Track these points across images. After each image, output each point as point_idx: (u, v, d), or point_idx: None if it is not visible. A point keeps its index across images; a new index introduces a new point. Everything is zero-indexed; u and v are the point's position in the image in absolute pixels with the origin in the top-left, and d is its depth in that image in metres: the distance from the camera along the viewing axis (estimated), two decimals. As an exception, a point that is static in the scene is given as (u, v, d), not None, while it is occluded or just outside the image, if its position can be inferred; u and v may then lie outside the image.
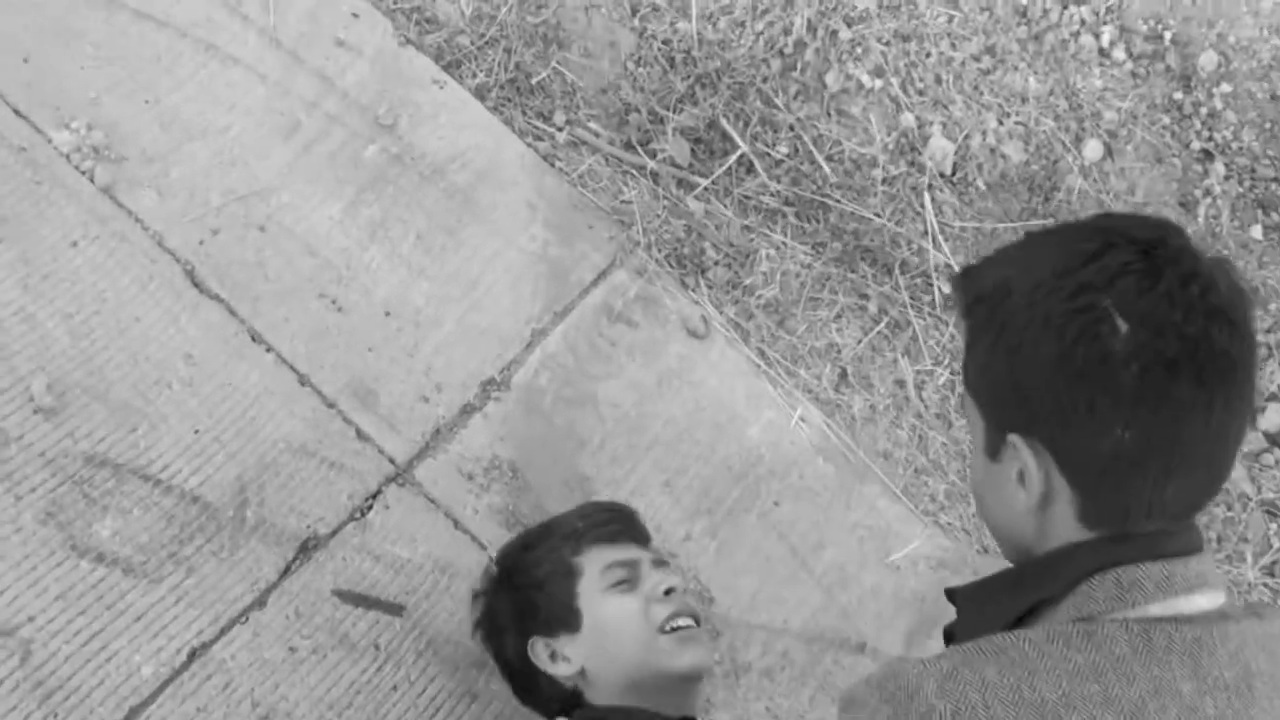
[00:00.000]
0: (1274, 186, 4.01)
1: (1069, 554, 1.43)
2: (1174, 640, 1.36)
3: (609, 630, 2.24)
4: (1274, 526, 3.41)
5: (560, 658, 2.26)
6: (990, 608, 1.50)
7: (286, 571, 2.50)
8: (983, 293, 1.49)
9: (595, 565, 2.30)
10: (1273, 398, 3.60)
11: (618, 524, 2.41)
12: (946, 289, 3.46)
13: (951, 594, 1.62)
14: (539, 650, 2.27)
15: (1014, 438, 1.44)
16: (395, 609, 2.54)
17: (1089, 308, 1.37)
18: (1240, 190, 3.96)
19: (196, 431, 2.58)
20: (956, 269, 3.49)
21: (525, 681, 2.34)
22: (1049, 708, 1.32)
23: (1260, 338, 3.70)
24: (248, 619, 2.43)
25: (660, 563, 2.38)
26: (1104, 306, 1.36)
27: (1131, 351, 1.34)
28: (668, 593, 2.27)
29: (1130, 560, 1.40)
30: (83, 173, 2.78)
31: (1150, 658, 1.35)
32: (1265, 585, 3.28)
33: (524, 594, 2.33)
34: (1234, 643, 1.39)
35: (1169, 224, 1.45)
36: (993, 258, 1.53)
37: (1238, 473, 3.44)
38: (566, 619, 2.28)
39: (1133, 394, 1.35)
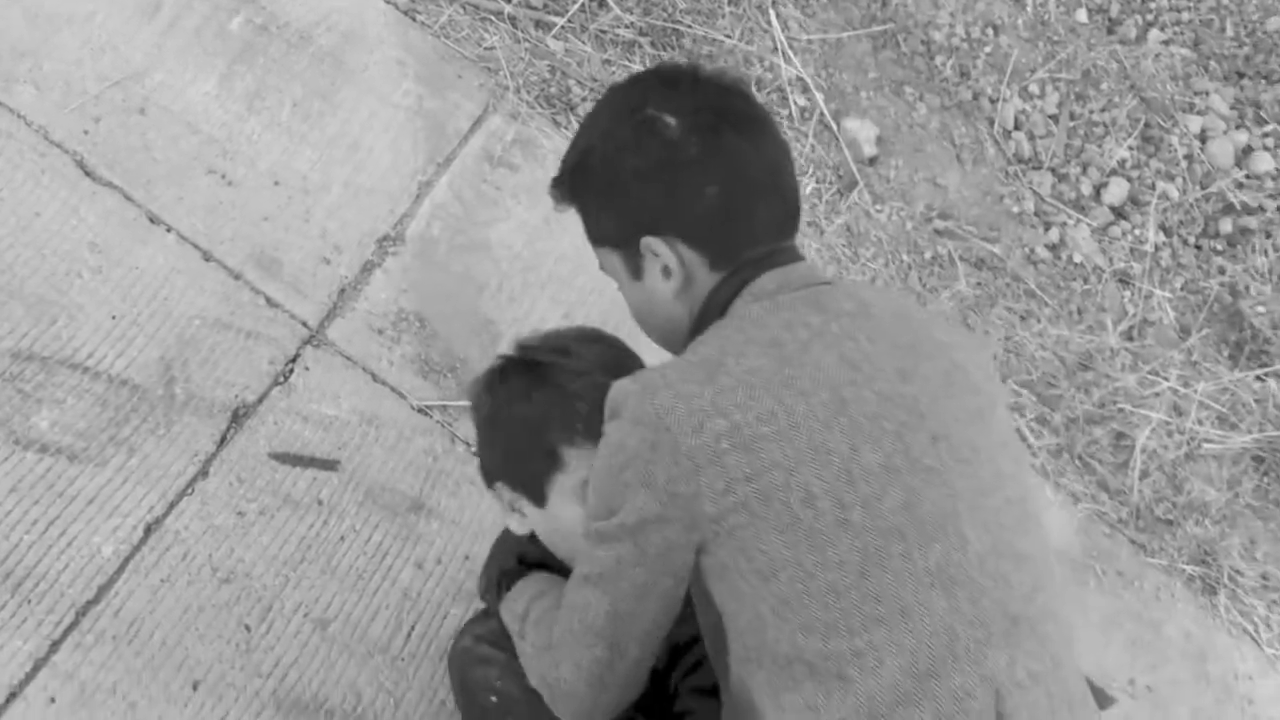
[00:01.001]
0: (1093, -30, 4.21)
1: (714, 292, 1.84)
2: (797, 296, 1.78)
3: (565, 533, 2.15)
4: (1127, 294, 3.67)
5: (518, 512, 2.23)
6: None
7: (223, 441, 2.61)
8: (573, 168, 1.97)
9: (579, 468, 2.10)
10: (1113, 172, 3.84)
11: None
12: (803, 101, 3.61)
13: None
14: (502, 493, 2.23)
15: (645, 239, 1.86)
16: (330, 464, 2.66)
17: (643, 121, 1.85)
18: (1063, -23, 4.16)
19: (114, 317, 2.65)
20: (809, 81, 3.64)
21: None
22: (710, 361, 1.70)
23: (1096, 117, 3.92)
24: (194, 490, 2.54)
25: None
26: (652, 114, 1.85)
27: (684, 131, 1.83)
28: None
29: (753, 277, 1.81)
30: (-43, 74, 2.80)
31: (777, 309, 1.76)
32: (1125, 349, 3.54)
33: (504, 438, 2.22)
34: (849, 288, 1.84)
35: (678, 63, 2.06)
36: (566, 151, 2.00)
37: (1090, 247, 3.68)
38: (532, 491, 2.18)
39: (700, 158, 1.82)
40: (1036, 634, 1.68)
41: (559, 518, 2.15)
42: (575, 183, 1.97)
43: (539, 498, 2.16)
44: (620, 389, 1.74)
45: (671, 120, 1.83)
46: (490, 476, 2.26)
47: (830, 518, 1.61)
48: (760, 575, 1.64)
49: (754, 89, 1.93)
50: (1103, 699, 1.90)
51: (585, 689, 1.84)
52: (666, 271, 1.87)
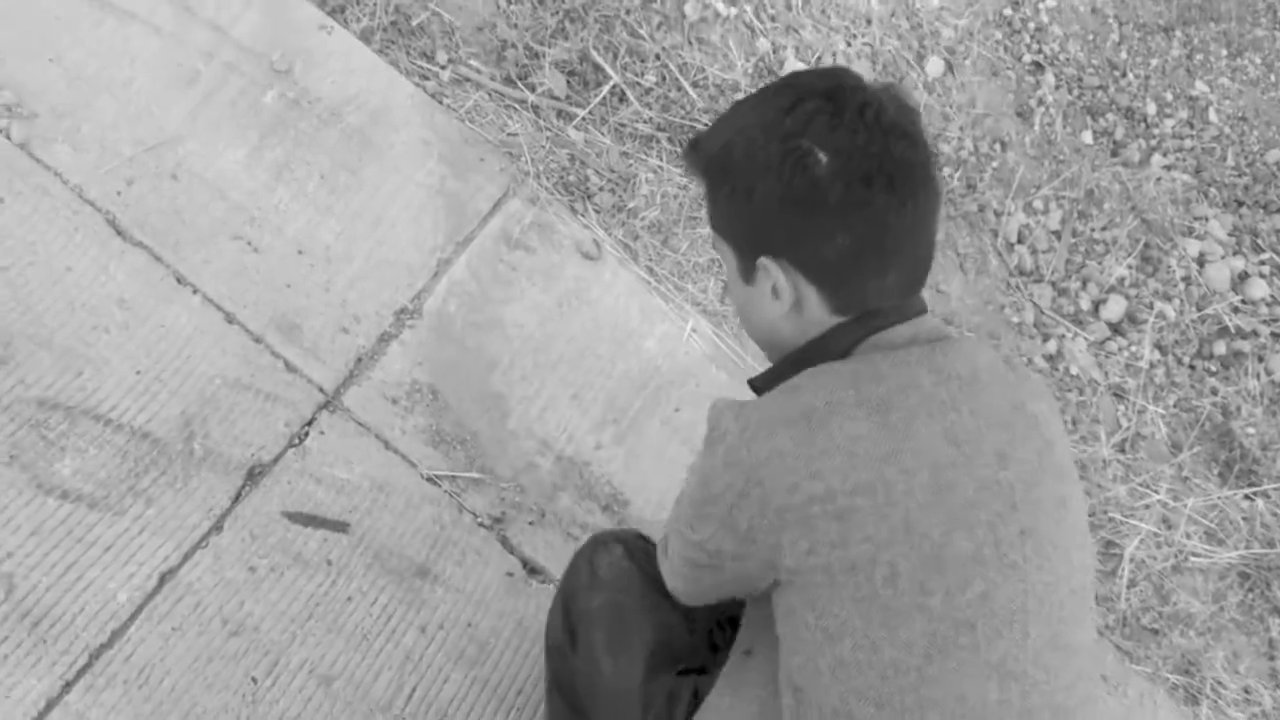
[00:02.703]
0: (1099, 94, 4.33)
1: (835, 332, 1.80)
2: (915, 352, 1.74)
3: None
4: (1121, 408, 3.75)
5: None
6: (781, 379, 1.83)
7: (238, 498, 2.67)
8: (711, 155, 1.86)
9: None
10: (1112, 289, 3.93)
11: None
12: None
13: (752, 382, 1.97)
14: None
15: (763, 260, 1.80)
16: (341, 526, 2.72)
17: (795, 150, 1.73)
18: (1070, 98, 4.28)
19: (138, 372, 2.72)
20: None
21: None
22: (815, 414, 1.67)
23: (1097, 235, 4.02)
24: (208, 544, 2.59)
25: None
26: (806, 146, 1.73)
27: (833, 174, 1.71)
28: None
29: (882, 328, 1.78)
30: (-2, 130, 2.89)
31: (897, 362, 1.73)
32: (1118, 460, 3.61)
33: None
34: (966, 348, 1.78)
35: (843, 70, 1.85)
36: (712, 127, 1.90)
37: (1086, 360, 3.77)
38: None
39: (841, 206, 1.71)
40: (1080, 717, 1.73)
41: None
42: (710, 169, 1.88)
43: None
44: (720, 415, 1.76)
45: (824, 159, 1.71)
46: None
47: (909, 599, 1.62)
48: (826, 634, 1.66)
49: (919, 119, 1.82)
50: None
51: (686, 599, 2.00)
52: (776, 292, 1.82)
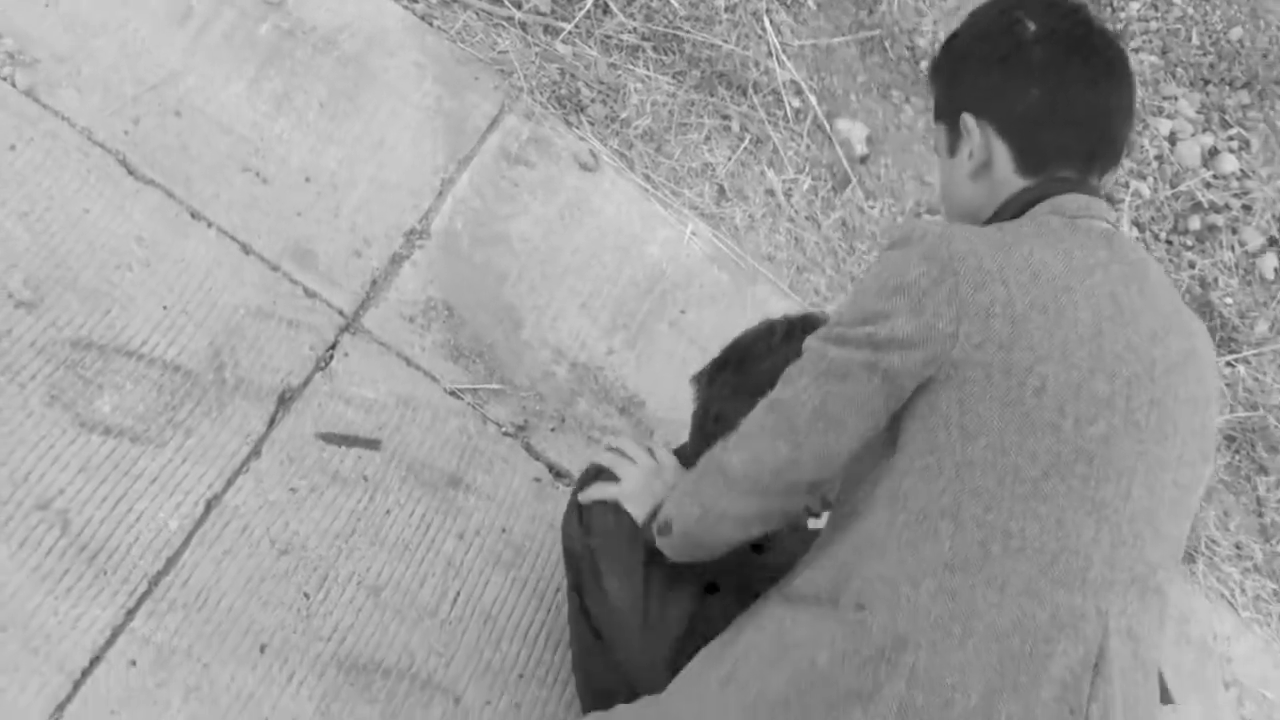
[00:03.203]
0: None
1: (1016, 195, 1.99)
2: (1092, 228, 1.92)
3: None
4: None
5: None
6: None
7: (272, 423, 2.75)
8: (942, 46, 2.17)
9: None
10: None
11: None
12: (797, 103, 3.78)
13: None
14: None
15: (965, 116, 2.04)
16: (373, 443, 2.81)
17: (1008, 18, 2.03)
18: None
19: (164, 307, 2.79)
20: (803, 84, 3.81)
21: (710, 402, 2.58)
22: (1007, 241, 1.84)
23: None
24: (248, 469, 2.68)
25: None
26: (1018, 14, 2.02)
27: (1037, 39, 1.99)
28: None
29: (1058, 193, 1.96)
30: (3, 79, 2.92)
31: (1075, 232, 1.90)
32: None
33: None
34: (1135, 245, 1.96)
35: None
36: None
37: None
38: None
39: (1040, 65, 1.98)
40: (1146, 601, 1.82)
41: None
42: (937, 60, 2.17)
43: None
44: (918, 224, 1.87)
45: (1031, 26, 1.99)
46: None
47: (1047, 415, 1.74)
48: (963, 431, 1.76)
49: (1120, 42, 2.07)
50: (1165, 694, 2.03)
51: (742, 482, 2.00)
52: (971, 154, 2.04)
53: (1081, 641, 1.74)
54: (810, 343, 1.95)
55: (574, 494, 2.52)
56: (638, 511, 2.37)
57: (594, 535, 2.44)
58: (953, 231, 1.84)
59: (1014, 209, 1.97)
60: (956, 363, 1.77)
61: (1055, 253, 1.83)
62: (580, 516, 2.48)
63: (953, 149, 2.09)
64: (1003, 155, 2.01)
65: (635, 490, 2.41)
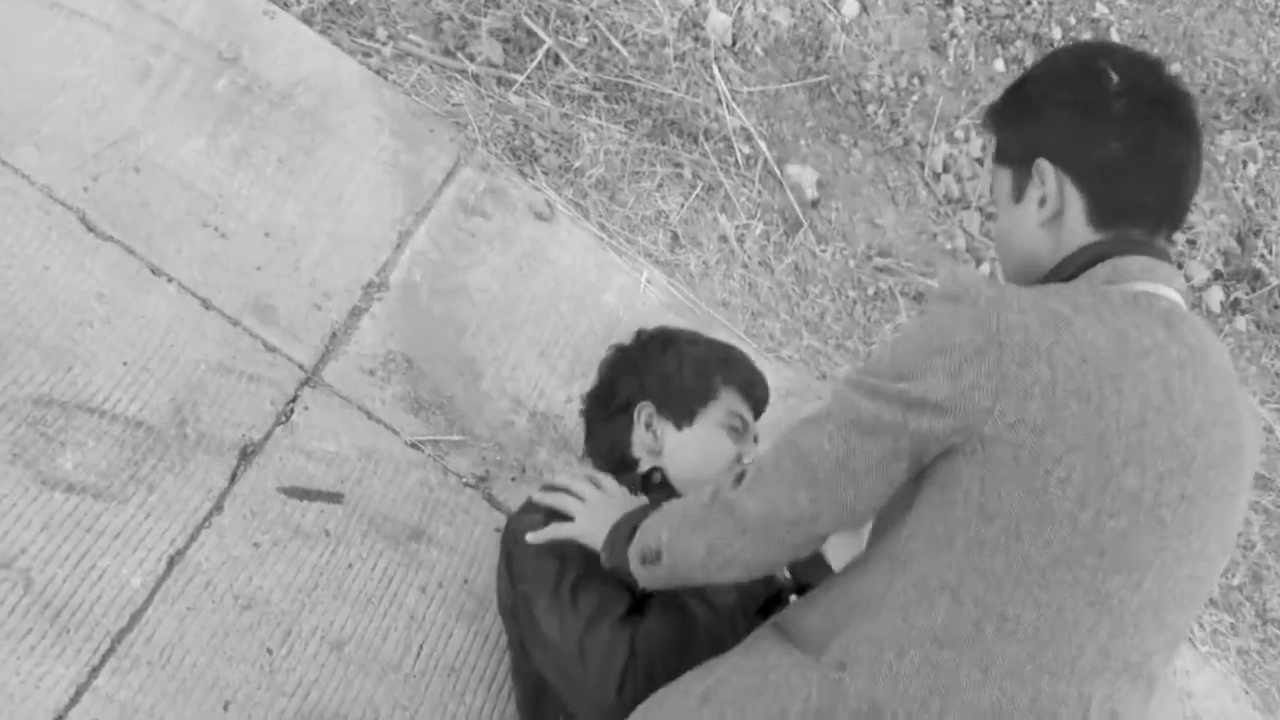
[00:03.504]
0: (1007, 22, 4.49)
1: (1083, 249, 1.94)
2: (1154, 305, 1.87)
3: (704, 454, 2.66)
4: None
5: (655, 433, 2.71)
6: None
7: (234, 477, 2.77)
8: (1011, 89, 2.11)
9: (728, 403, 2.73)
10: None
11: (761, 392, 2.83)
12: (747, 149, 3.84)
13: None
14: (644, 413, 2.73)
15: (1040, 161, 1.97)
16: (335, 497, 2.83)
17: (1092, 66, 1.98)
18: (980, 29, 4.44)
19: (125, 363, 2.81)
20: (752, 130, 3.87)
21: (606, 431, 2.80)
22: (1061, 316, 1.78)
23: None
24: (211, 524, 2.70)
25: (757, 439, 2.78)
26: (1101, 64, 1.97)
27: (1120, 91, 1.94)
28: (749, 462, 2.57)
29: (1123, 253, 1.91)
30: (-38, 137, 2.95)
31: (1135, 309, 1.85)
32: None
33: (668, 366, 2.75)
34: (1197, 324, 1.91)
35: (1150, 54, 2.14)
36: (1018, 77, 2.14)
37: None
38: (681, 414, 2.70)
39: (1122, 118, 1.93)
40: (1135, 686, 1.83)
41: (703, 442, 2.67)
42: (1005, 102, 2.10)
43: (684, 421, 2.68)
44: (974, 281, 1.85)
45: (1115, 77, 1.95)
46: (634, 399, 2.74)
47: (1068, 506, 1.72)
48: (981, 510, 1.75)
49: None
50: None
51: (758, 529, 1.95)
52: (1043, 201, 1.97)
53: None
54: (841, 389, 1.92)
55: (502, 549, 2.60)
56: (598, 545, 2.38)
57: (523, 582, 2.48)
58: (1008, 298, 1.80)
59: (1078, 264, 1.93)
60: (986, 439, 1.75)
61: (1109, 332, 1.78)
62: (509, 567, 2.53)
63: (1018, 195, 2.04)
64: (1076, 205, 1.96)
65: (592, 526, 2.42)
